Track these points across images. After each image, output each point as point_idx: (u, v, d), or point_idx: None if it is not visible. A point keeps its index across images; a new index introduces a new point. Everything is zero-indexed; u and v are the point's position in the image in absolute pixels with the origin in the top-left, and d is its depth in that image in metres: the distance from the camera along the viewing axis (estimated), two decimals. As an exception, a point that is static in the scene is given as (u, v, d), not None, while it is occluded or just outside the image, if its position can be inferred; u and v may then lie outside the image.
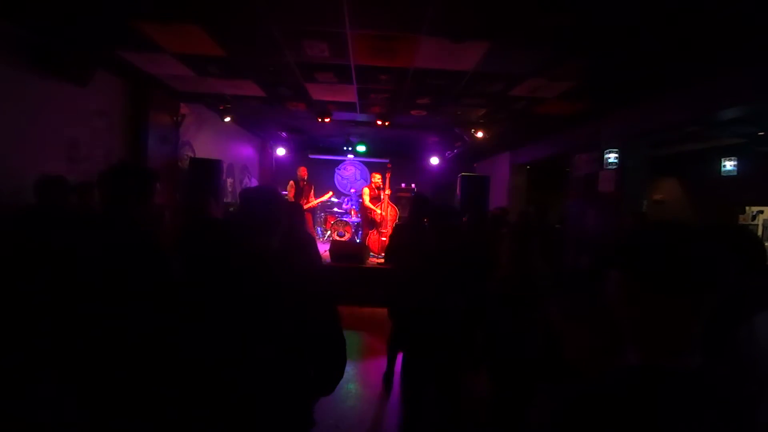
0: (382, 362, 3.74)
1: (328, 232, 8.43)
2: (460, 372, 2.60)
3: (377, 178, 7.59)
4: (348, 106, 5.56)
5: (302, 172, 7.63)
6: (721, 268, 0.70)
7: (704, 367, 0.71)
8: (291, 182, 7.55)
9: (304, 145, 9.82)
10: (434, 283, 2.51)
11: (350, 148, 8.52)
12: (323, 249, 6.96)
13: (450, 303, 2.46)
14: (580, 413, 0.70)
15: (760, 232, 6.78)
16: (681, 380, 0.69)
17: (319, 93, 4.96)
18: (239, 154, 8.24)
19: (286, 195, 7.43)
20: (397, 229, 3.83)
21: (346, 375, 3.82)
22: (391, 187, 7.51)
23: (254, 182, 9.05)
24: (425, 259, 2.64)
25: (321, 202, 8.11)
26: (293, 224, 3.50)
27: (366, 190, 7.60)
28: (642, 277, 0.72)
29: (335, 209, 8.83)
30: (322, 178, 10.18)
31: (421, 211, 3.45)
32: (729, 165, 6.60)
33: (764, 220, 7.27)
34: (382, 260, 6.74)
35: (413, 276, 2.69)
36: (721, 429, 0.67)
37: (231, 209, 5.65)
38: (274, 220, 1.32)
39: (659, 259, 0.70)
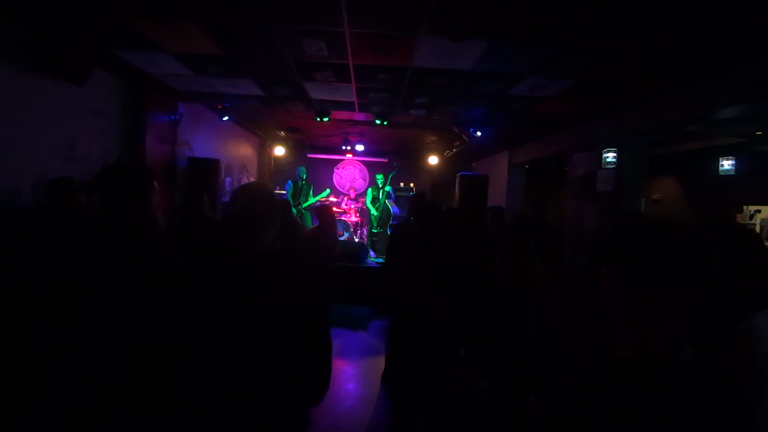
0: (381, 362, 3.75)
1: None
2: (447, 370, 2.58)
3: (380, 178, 7.64)
4: (346, 105, 5.55)
5: (301, 171, 7.65)
6: (707, 262, 0.70)
7: (695, 360, 0.71)
8: (289, 182, 7.58)
9: (303, 144, 9.81)
10: (418, 282, 2.49)
11: (349, 147, 8.53)
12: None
13: (434, 301, 2.44)
14: (569, 405, 0.72)
15: (757, 231, 6.79)
16: (668, 372, 0.70)
17: (317, 92, 4.95)
18: (238, 154, 8.22)
19: (280, 193, 7.46)
20: (395, 229, 3.83)
21: (345, 374, 3.84)
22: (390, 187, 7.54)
23: (253, 181, 9.04)
24: (410, 258, 2.63)
25: (319, 201, 8.15)
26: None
27: (369, 191, 7.63)
28: (630, 271, 0.73)
29: (334, 208, 8.85)
30: (321, 177, 10.17)
31: (411, 209, 3.46)
32: (727, 164, 6.60)
33: (762, 219, 7.28)
34: (381, 260, 6.76)
35: (400, 274, 2.68)
36: (712, 422, 0.67)
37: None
38: (266, 218, 1.25)
39: (645, 254, 0.72)
